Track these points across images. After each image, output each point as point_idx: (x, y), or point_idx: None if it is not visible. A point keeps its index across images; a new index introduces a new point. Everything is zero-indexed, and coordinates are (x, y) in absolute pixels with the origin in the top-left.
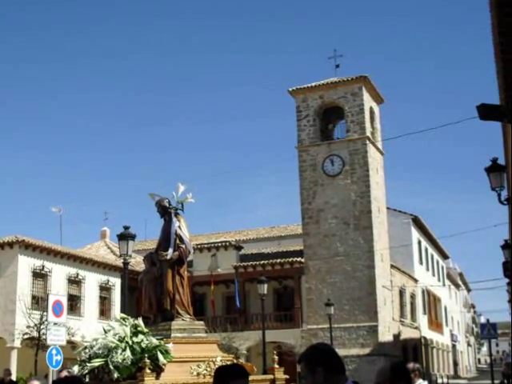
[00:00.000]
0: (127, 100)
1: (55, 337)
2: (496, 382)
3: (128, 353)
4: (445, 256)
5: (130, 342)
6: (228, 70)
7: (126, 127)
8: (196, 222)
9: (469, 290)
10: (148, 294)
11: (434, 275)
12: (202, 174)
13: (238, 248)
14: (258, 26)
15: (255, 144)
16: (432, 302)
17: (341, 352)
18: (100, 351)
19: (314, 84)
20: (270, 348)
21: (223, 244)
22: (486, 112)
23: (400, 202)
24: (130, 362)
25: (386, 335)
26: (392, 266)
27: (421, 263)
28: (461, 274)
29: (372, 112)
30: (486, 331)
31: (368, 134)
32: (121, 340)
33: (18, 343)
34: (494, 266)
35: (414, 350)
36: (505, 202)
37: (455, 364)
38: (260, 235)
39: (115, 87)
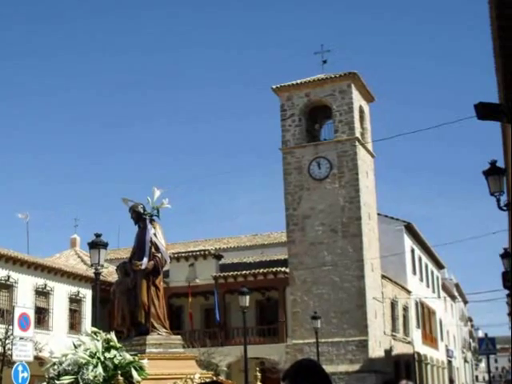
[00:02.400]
0: (99, 99)
1: (21, 352)
2: None
3: (100, 369)
4: (440, 266)
5: (102, 358)
6: (207, 66)
7: (98, 128)
8: (173, 229)
9: (465, 302)
10: (121, 306)
11: (428, 286)
12: (179, 178)
13: (218, 257)
14: (238, 18)
15: (236, 146)
16: (426, 315)
17: (328, 369)
18: (70, 368)
19: (299, 81)
20: (253, 364)
21: (202, 253)
22: (485, 111)
23: (392, 208)
24: (101, 380)
25: (376, 350)
26: (383, 277)
27: (414, 273)
28: (457, 285)
29: (362, 111)
30: (485, 346)
31: (357, 134)
32: (92, 356)
33: None
34: (492, 277)
35: (407, 366)
36: (504, 208)
37: (451, 381)
38: (241, 243)
39: (87, 86)
